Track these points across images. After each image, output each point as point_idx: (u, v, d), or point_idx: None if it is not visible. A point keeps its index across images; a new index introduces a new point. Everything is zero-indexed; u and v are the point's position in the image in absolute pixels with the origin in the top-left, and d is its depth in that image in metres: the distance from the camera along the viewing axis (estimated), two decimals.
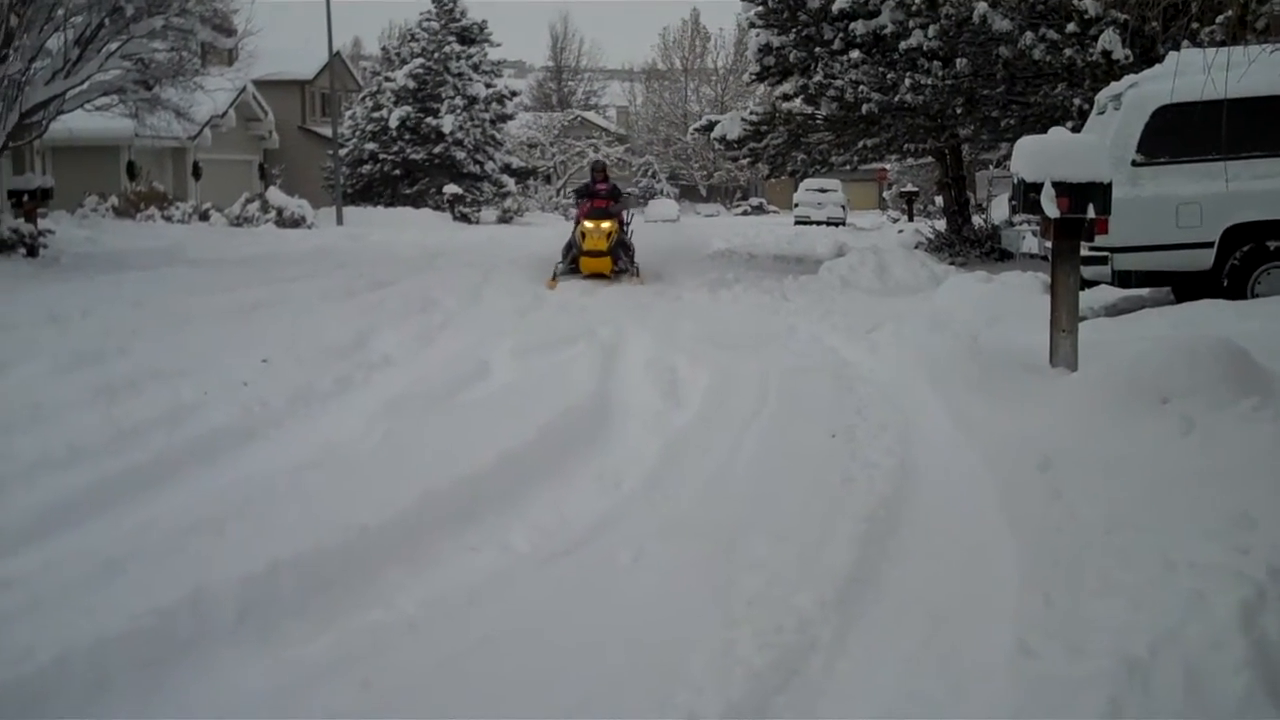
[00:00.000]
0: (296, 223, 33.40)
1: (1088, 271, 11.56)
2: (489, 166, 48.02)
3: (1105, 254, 11.66)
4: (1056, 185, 8.51)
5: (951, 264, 19.16)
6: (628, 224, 19.83)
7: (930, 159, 25.76)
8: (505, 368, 10.04)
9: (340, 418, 7.99)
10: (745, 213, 68.27)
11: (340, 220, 37.03)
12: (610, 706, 3.81)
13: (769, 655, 4.20)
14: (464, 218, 43.92)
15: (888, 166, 45.95)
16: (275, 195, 34.32)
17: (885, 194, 54.48)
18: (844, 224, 45.19)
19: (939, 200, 27.24)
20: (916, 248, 21.69)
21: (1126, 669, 3.77)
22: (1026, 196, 8.72)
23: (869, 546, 5.31)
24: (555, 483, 6.50)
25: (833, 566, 5.03)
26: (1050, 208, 8.58)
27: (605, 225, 18.40)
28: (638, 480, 6.61)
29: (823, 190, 47.92)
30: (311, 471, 6.51)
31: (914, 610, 4.63)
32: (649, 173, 73.33)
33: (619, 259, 18.41)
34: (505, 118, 50.79)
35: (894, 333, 12.04)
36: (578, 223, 19.00)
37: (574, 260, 18.28)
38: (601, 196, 19.21)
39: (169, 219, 31.62)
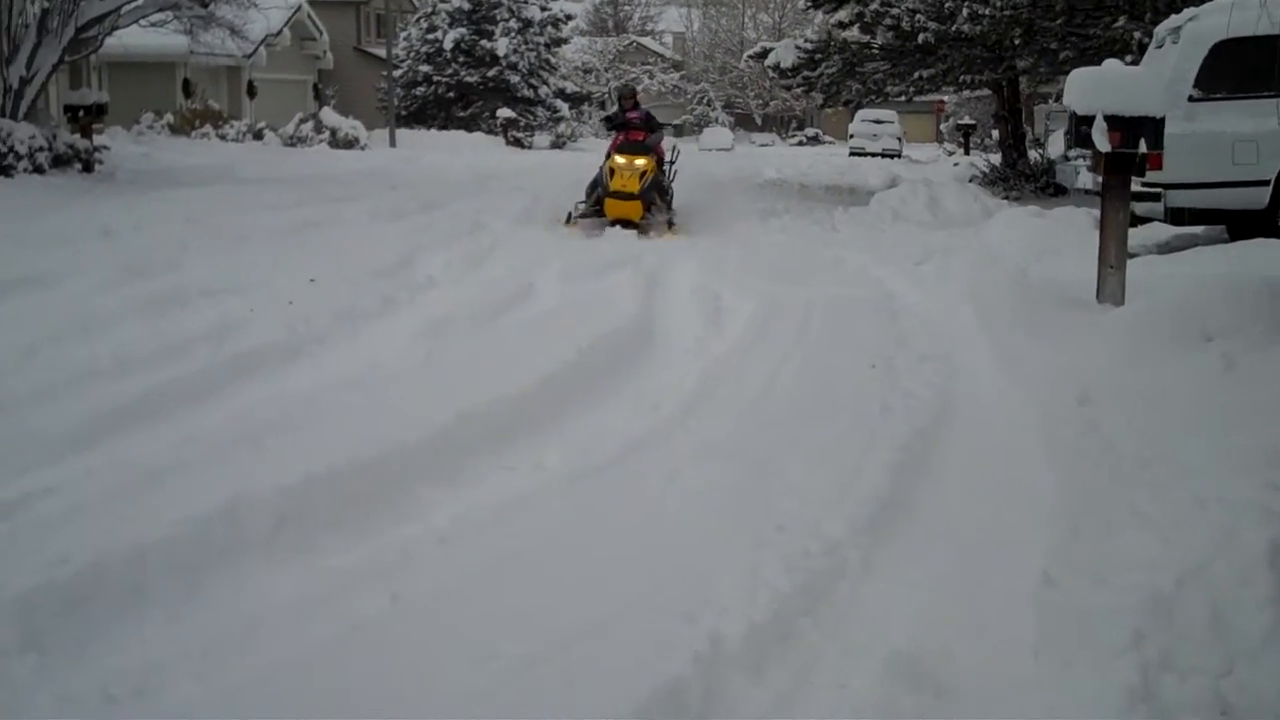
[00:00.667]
0: (350, 144, 33.40)
1: (1140, 208, 11.44)
2: (543, 91, 47.75)
3: (1158, 190, 11.51)
4: (1108, 119, 8.41)
5: (1005, 198, 18.96)
6: (670, 162, 16.81)
7: (987, 91, 25.42)
8: (550, 291, 10.06)
9: (383, 337, 8.05)
10: (800, 143, 67.74)
11: (393, 142, 37.00)
12: (633, 624, 3.85)
13: (796, 579, 4.22)
14: (517, 142, 43.74)
15: (945, 99, 45.44)
16: (329, 116, 34.31)
17: (942, 127, 53.93)
18: (899, 156, 44.72)
19: (995, 134, 26.92)
20: (970, 181, 21.47)
21: (1151, 602, 3.78)
22: (1078, 130, 8.63)
23: (903, 474, 5.32)
24: (593, 405, 6.53)
25: (865, 493, 5.05)
26: (1101, 141, 8.49)
27: (640, 162, 15.28)
28: (675, 404, 6.63)
29: (878, 121, 47.43)
30: (352, 389, 6.57)
31: (943, 538, 4.65)
32: (704, 100, 72.78)
33: (652, 204, 15.27)
34: (560, 41, 50.42)
35: (942, 266, 11.98)
36: (608, 157, 15.89)
37: (598, 201, 15.29)
38: (635, 127, 16.12)
39: (223, 137, 31.71)
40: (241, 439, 5.49)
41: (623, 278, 10.60)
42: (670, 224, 15.24)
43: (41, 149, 18.48)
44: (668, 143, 17.13)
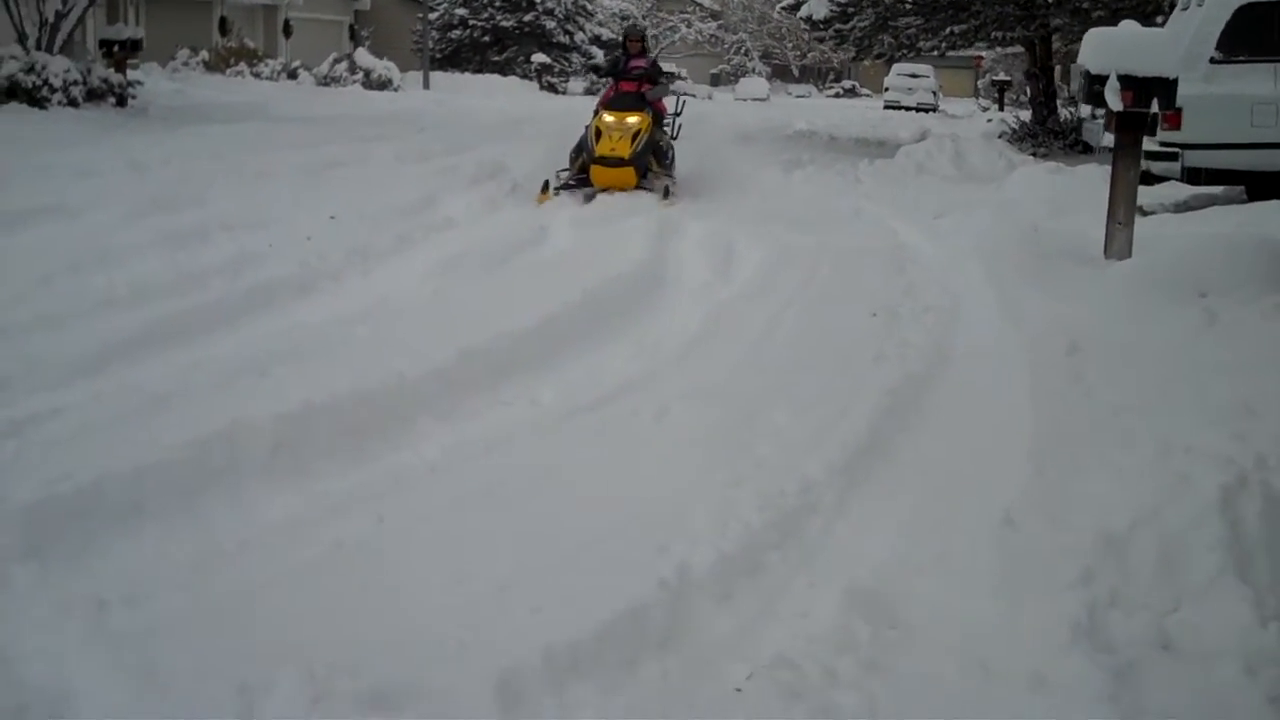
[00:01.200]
0: (383, 85, 33.56)
1: (1157, 167, 11.49)
2: (578, 37, 47.72)
3: (1176, 150, 11.55)
4: (1121, 78, 8.45)
5: (1033, 155, 18.96)
6: (670, 119, 14.46)
7: (1020, 48, 25.30)
8: (563, 235, 10.19)
9: (395, 275, 8.21)
10: (837, 95, 67.44)
11: (427, 84, 37.11)
12: (605, 553, 4.01)
13: (767, 515, 4.37)
14: (550, 88, 43.80)
15: (984, 54, 45.14)
16: (363, 57, 34.45)
17: (979, 82, 53.56)
18: (935, 110, 44.52)
19: (1029, 90, 26.79)
20: (1000, 137, 21.44)
21: (1104, 543, 3.92)
22: (1091, 89, 8.68)
23: (887, 419, 5.45)
24: (593, 345, 6.67)
25: (846, 437, 5.18)
26: (1114, 100, 8.54)
27: (632, 120, 12.92)
28: (675, 346, 6.78)
29: (914, 75, 47.16)
30: (359, 323, 6.73)
31: (917, 480, 4.79)
32: (741, 51, 72.45)
33: (648, 170, 13.01)
34: None
35: (959, 220, 12.03)
36: (595, 114, 13.48)
37: (584, 169, 12.89)
38: (631, 77, 13.72)
39: (258, 76, 31.89)
40: (248, 368, 5.67)
41: (638, 224, 10.71)
42: (666, 193, 12.69)
43: (75, 82, 18.70)
44: (672, 97, 15.34)
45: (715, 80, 71.40)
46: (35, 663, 3.20)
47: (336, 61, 33.80)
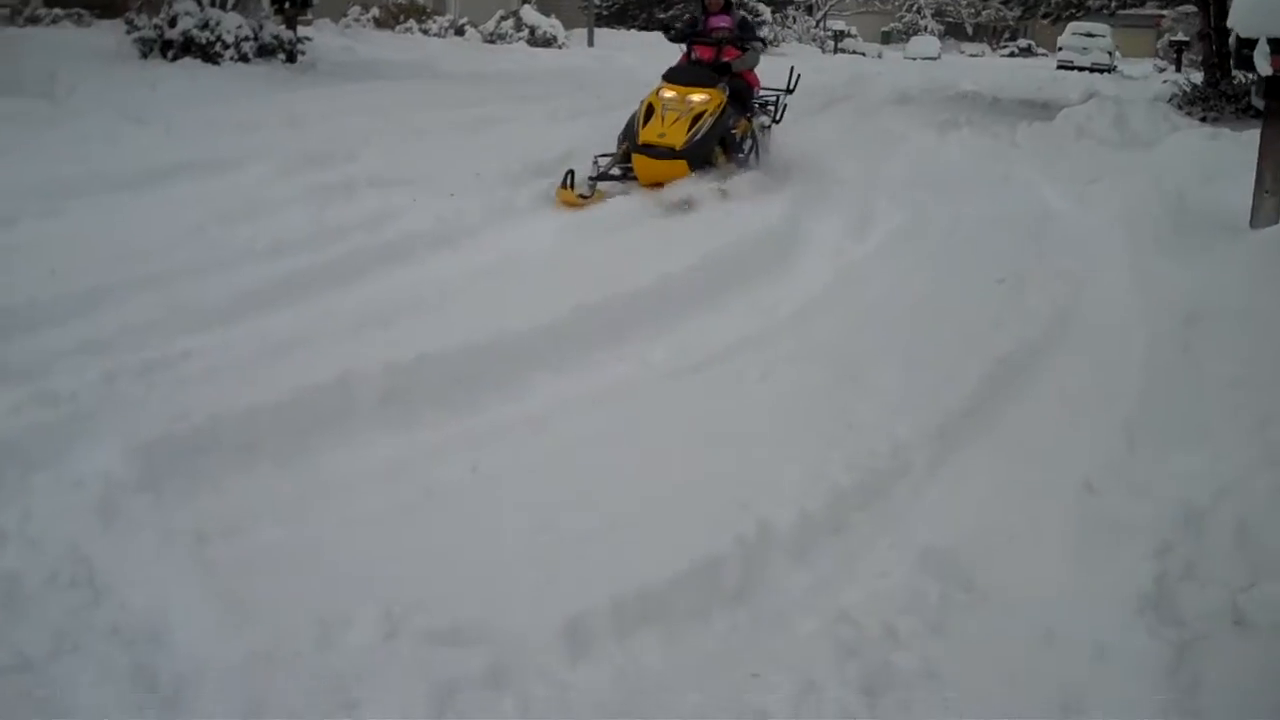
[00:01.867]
0: (547, 42, 33.85)
1: None
2: None
3: None
4: (1271, 41, 8.22)
5: (1203, 119, 18.40)
6: (777, 97, 11.87)
7: (1193, 7, 24.50)
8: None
9: (529, 232, 8.38)
10: (1012, 54, 65.98)
11: (591, 42, 37.31)
12: (688, 507, 4.13)
13: (856, 476, 4.45)
14: None
15: (1164, 13, 43.76)
16: (529, 14, 34.77)
17: (1159, 42, 51.96)
18: (1111, 71, 43.28)
19: (1202, 52, 25.94)
20: (1170, 100, 20.83)
21: (1184, 515, 3.91)
22: (1239, 52, 8.46)
23: (992, 385, 5.47)
24: (711, 306, 6.75)
25: (948, 401, 5.21)
26: (1263, 65, 8.31)
27: (698, 98, 10.10)
28: (793, 308, 6.84)
29: (1090, 35, 45.86)
30: (485, 278, 6.93)
31: (1011, 446, 4.82)
32: (913, 8, 71.32)
33: (708, 163, 9.94)
34: None
35: (1109, 185, 11.79)
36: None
37: (626, 156, 10.06)
38: (709, 41, 10.96)
39: (426, 32, 32.43)
40: (372, 319, 5.91)
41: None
42: (733, 170, 10.07)
43: (247, 39, 19.24)
44: (775, 65, 13.64)
45: (886, 38, 70.44)
46: (137, 588, 3.44)
47: (502, 18, 34.19)
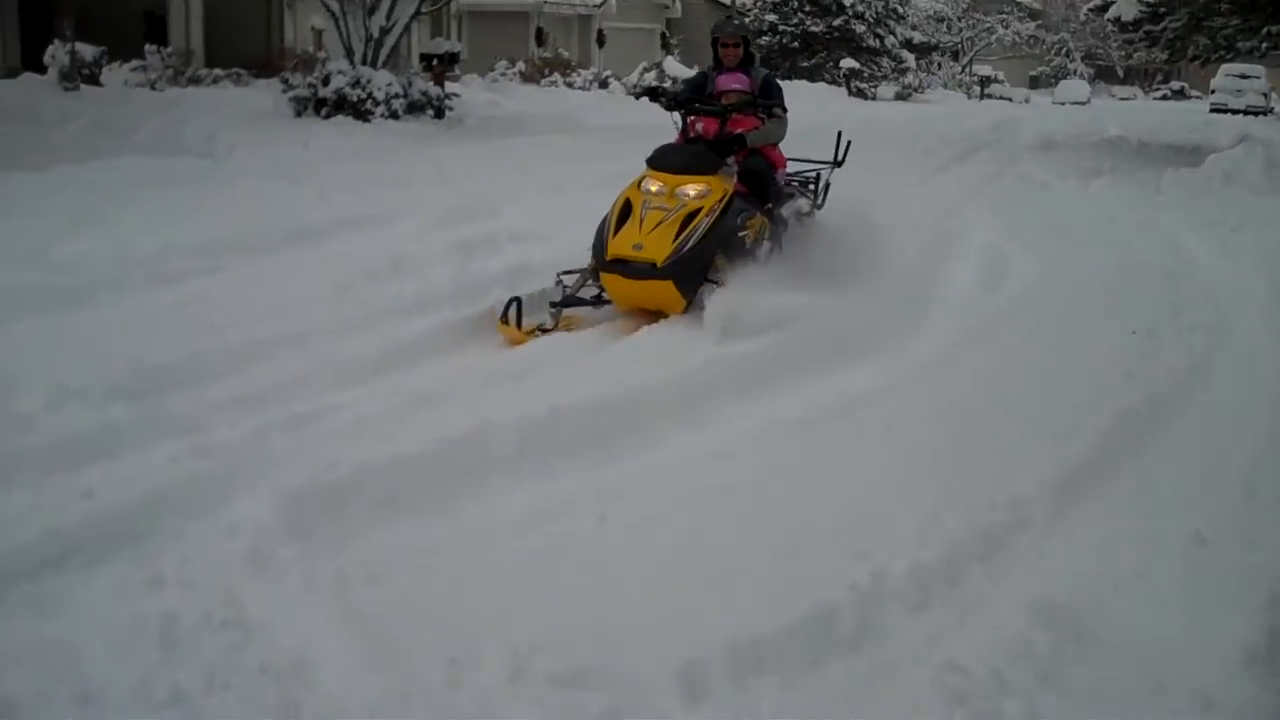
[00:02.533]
0: None
1: None
2: (888, 41, 47.45)
3: None
4: None
5: None
6: (799, 179, 9.01)
7: None
8: None
9: None
10: (1164, 97, 64.92)
11: None
12: (807, 555, 4.27)
13: (972, 527, 4.55)
14: (859, 93, 43.79)
15: None
16: (671, 65, 35.24)
17: None
18: (1267, 113, 42.38)
19: None
20: None
21: None
22: None
23: (1116, 438, 5.52)
24: (845, 359, 6.84)
25: (1070, 454, 5.27)
26: None
27: (692, 191, 7.47)
28: (919, 361, 6.92)
29: (1243, 77, 44.91)
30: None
31: (1130, 499, 4.87)
32: (1063, 51, 70.52)
33: (701, 283, 7.35)
34: None
35: (1254, 235, 11.66)
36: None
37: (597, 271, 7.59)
38: (712, 110, 8.21)
39: (570, 85, 33.10)
40: (507, 373, 6.19)
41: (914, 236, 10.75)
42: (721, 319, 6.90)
43: (397, 95, 19.91)
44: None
45: (1034, 83, 69.81)
46: (284, 629, 3.70)
47: (645, 70, 34.73)
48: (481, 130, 20.14)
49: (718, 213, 7.40)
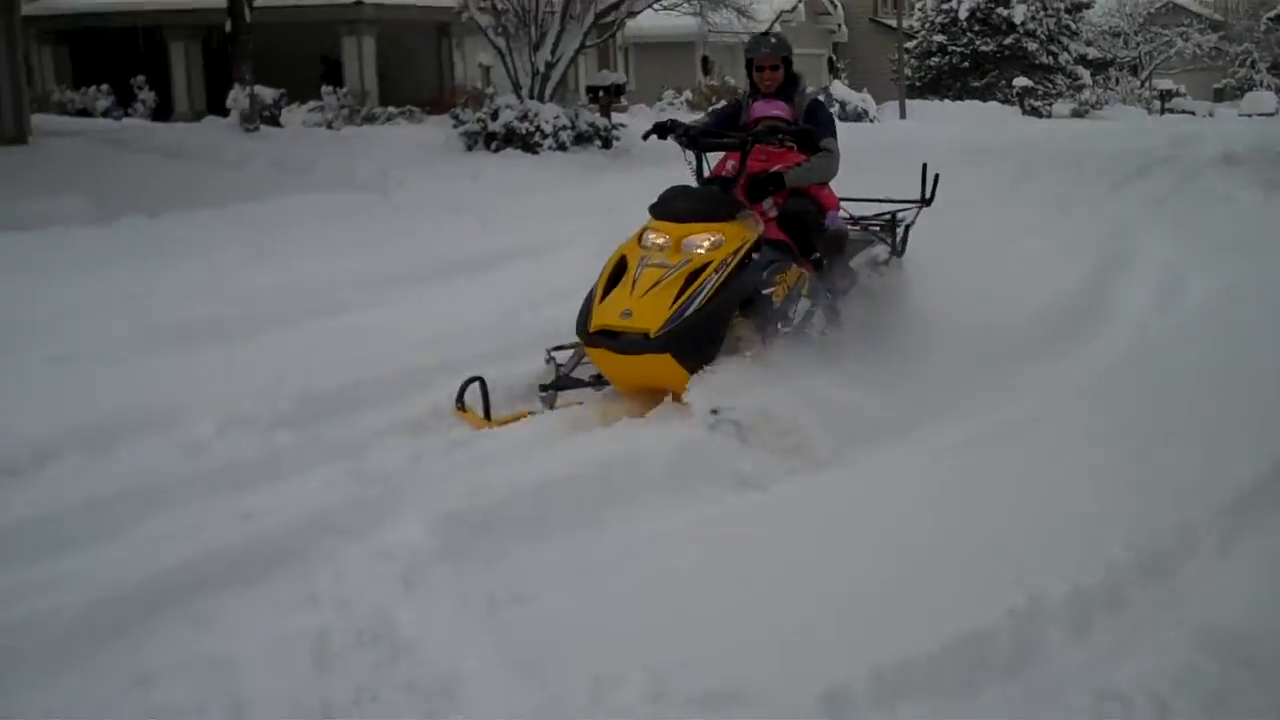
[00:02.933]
0: (858, 116, 34.08)
1: None
2: (1062, 58, 46.54)
3: None
4: None
5: None
6: (881, 218, 7.92)
7: None
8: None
9: None
10: None
11: (903, 114, 37.32)
12: (961, 577, 4.17)
13: (1136, 552, 4.39)
14: (1034, 111, 42.99)
15: None
16: (839, 89, 35.16)
17: None
18: None
19: None
20: None
21: None
22: None
23: None
24: (1002, 379, 6.68)
25: (1242, 479, 5.07)
26: None
27: (703, 243, 6.05)
28: (1087, 381, 6.74)
29: None
30: None
31: None
32: (1247, 62, 68.25)
33: (706, 361, 5.86)
34: (1082, 6, 48.91)
35: None
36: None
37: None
38: (733, 145, 6.79)
39: None
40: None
41: (1090, 258, 10.44)
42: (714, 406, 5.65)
43: (564, 127, 20.19)
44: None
45: (1219, 95, 67.64)
46: (433, 647, 3.76)
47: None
48: (647, 160, 20.16)
49: (731, 266, 5.93)
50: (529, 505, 4.75)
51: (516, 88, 20.78)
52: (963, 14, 46.09)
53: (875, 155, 20.92)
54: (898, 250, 7.80)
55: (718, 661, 3.60)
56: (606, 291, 6.07)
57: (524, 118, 19.57)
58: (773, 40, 7.25)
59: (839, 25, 44.55)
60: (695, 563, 4.37)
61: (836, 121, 7.29)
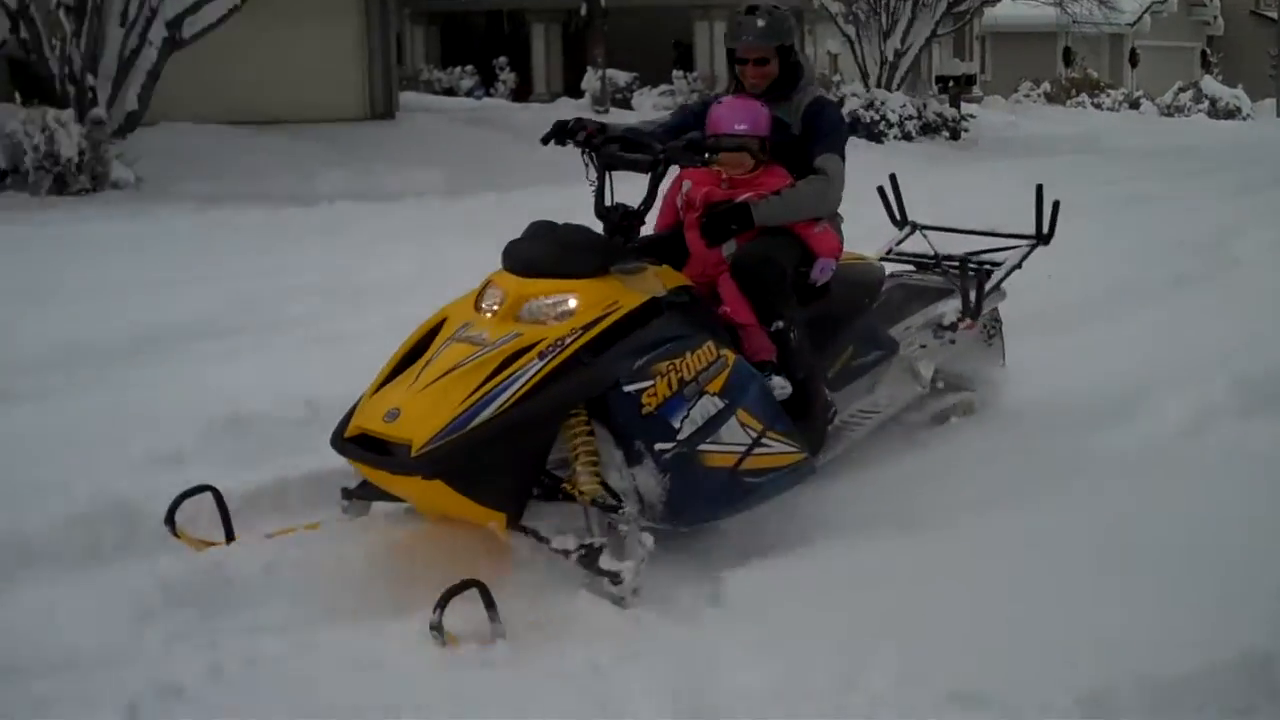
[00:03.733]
0: (1230, 114, 32.30)
1: None
2: None
3: None
4: None
5: None
6: (949, 270, 5.77)
7: None
8: None
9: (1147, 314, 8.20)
10: None
11: None
12: (1219, 593, 3.96)
13: None
14: None
15: None
16: (1210, 84, 33.40)
17: None
18: None
19: None
20: None
21: None
22: None
23: None
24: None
25: None
26: None
27: (550, 305, 4.13)
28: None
29: None
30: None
31: None
32: None
33: (514, 494, 4.01)
34: None
35: None
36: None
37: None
38: (645, 161, 4.48)
39: (1098, 106, 32.00)
40: None
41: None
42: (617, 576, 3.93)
43: (910, 117, 20.04)
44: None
45: None
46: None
47: (1180, 90, 33.05)
48: (993, 151, 19.88)
49: (570, 349, 4.00)
50: None
51: (864, 76, 20.73)
52: None
53: (1173, 158, 19.74)
54: (971, 310, 5.62)
55: (978, 658, 3.53)
56: (387, 375, 4.23)
57: (870, 106, 19.51)
58: (759, 24, 4.92)
59: (1215, 17, 42.17)
60: (954, 554, 4.30)
61: (845, 129, 5.30)
